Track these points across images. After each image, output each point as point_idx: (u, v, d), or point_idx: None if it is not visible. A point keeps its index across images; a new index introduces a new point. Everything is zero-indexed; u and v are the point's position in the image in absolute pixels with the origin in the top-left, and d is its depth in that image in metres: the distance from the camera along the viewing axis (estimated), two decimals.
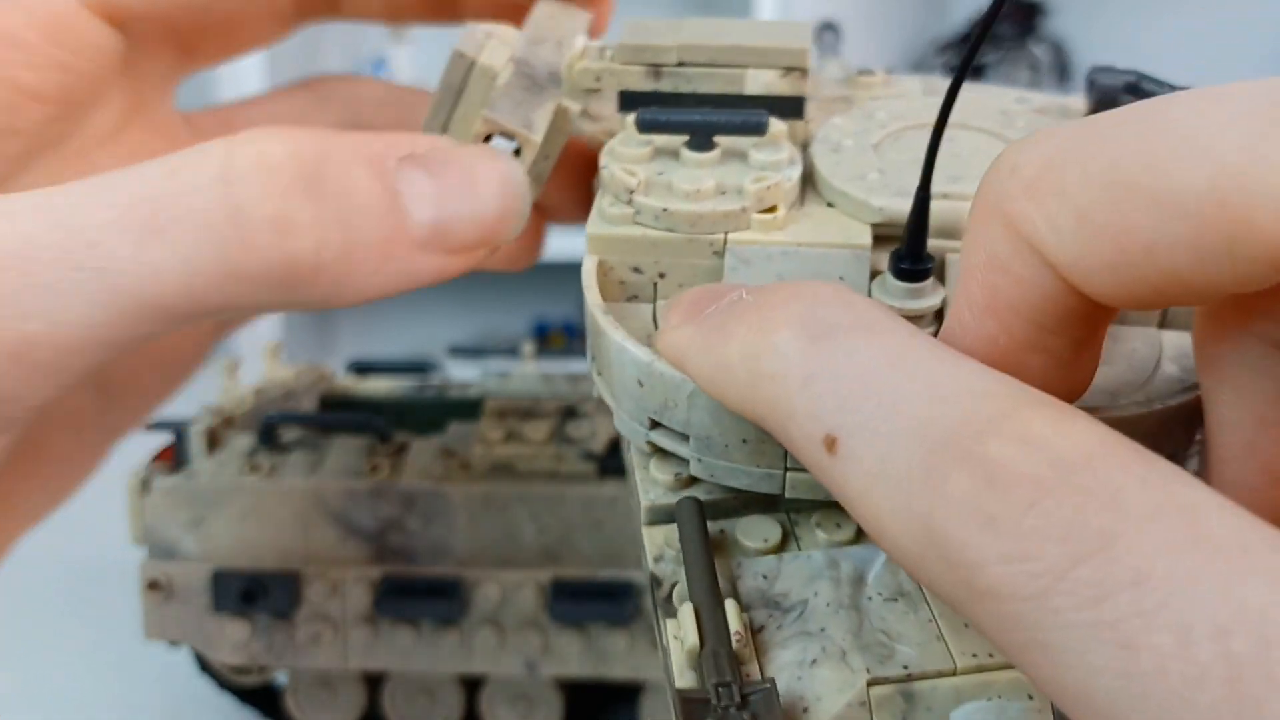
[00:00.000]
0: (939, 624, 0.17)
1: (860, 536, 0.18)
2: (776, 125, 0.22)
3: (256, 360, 0.45)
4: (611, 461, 0.36)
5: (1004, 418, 0.13)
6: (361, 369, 0.46)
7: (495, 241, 0.20)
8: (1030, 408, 0.13)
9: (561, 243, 0.30)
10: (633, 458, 0.20)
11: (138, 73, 0.25)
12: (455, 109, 0.22)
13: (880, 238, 0.21)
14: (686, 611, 0.16)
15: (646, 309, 0.21)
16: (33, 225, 0.18)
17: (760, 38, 0.23)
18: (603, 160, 0.22)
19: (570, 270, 0.25)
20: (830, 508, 0.19)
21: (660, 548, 0.19)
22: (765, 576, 0.18)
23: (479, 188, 0.20)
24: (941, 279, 0.20)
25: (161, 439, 0.39)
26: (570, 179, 0.26)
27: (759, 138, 0.22)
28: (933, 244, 0.19)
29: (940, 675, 0.16)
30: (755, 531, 0.19)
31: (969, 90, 0.19)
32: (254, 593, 0.36)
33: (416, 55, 1.31)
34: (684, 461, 0.19)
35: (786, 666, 0.16)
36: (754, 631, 0.17)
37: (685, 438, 0.19)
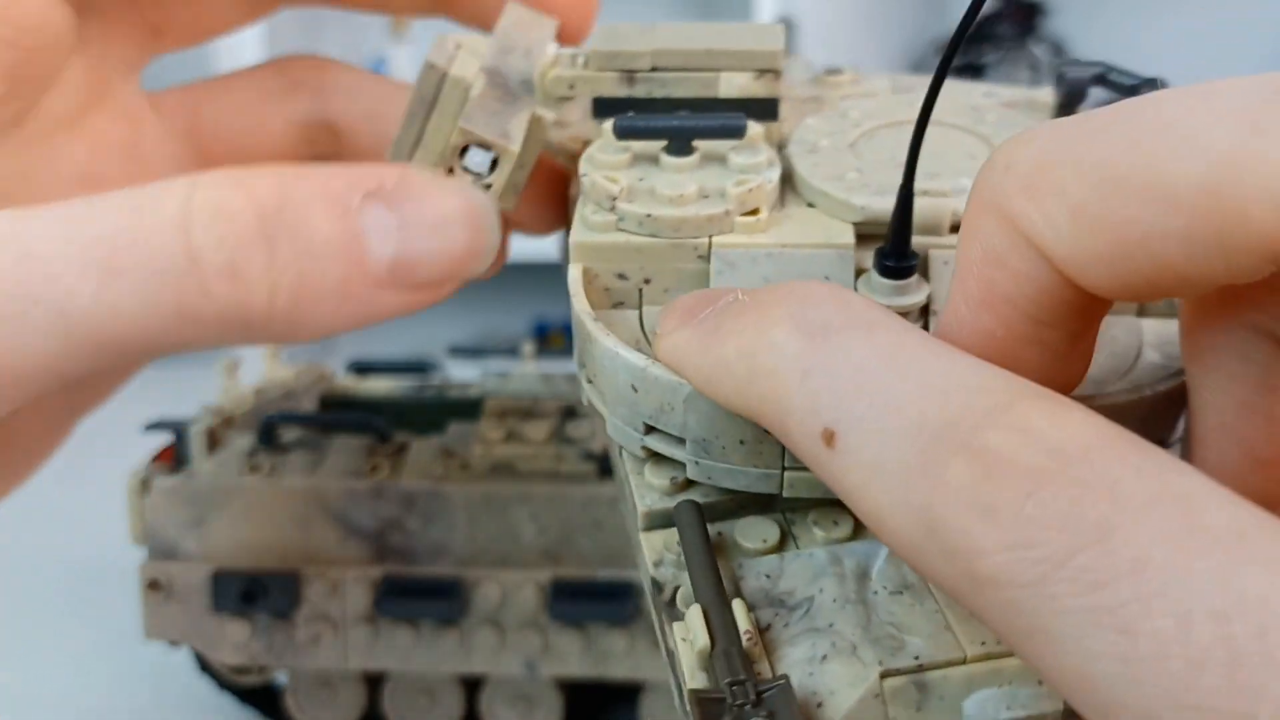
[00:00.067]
0: (946, 614, 0.17)
1: (858, 533, 0.19)
2: (754, 128, 0.22)
3: (256, 360, 0.45)
4: None
5: (1001, 410, 0.13)
6: (361, 369, 0.46)
7: (462, 276, 0.21)
8: (1027, 400, 0.13)
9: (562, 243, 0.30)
10: (625, 464, 0.20)
11: (99, 53, 0.25)
12: (429, 121, 0.22)
13: (861, 236, 0.21)
14: (695, 613, 0.16)
15: (632, 315, 0.21)
16: None
17: (732, 41, 0.24)
18: (582, 168, 0.22)
19: None
20: (827, 506, 0.19)
21: (659, 552, 0.19)
22: (768, 576, 0.18)
23: (446, 224, 0.20)
24: (925, 276, 0.20)
25: (161, 439, 0.40)
26: (533, 191, 0.26)
27: (737, 141, 0.22)
28: (914, 241, 0.19)
29: (951, 664, 0.16)
30: (753, 533, 0.19)
31: None
32: (254, 593, 0.36)
33: (416, 55, 1.31)
34: (679, 466, 0.19)
35: (797, 663, 0.16)
36: (761, 631, 0.17)
37: (681, 441, 0.19)
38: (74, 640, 0.46)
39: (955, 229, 0.21)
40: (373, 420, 0.38)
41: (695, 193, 0.21)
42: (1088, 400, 0.18)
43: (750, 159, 0.22)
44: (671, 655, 0.17)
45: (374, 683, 0.38)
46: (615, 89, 0.24)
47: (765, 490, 0.19)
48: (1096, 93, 0.24)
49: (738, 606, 0.17)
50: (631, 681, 0.37)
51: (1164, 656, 0.11)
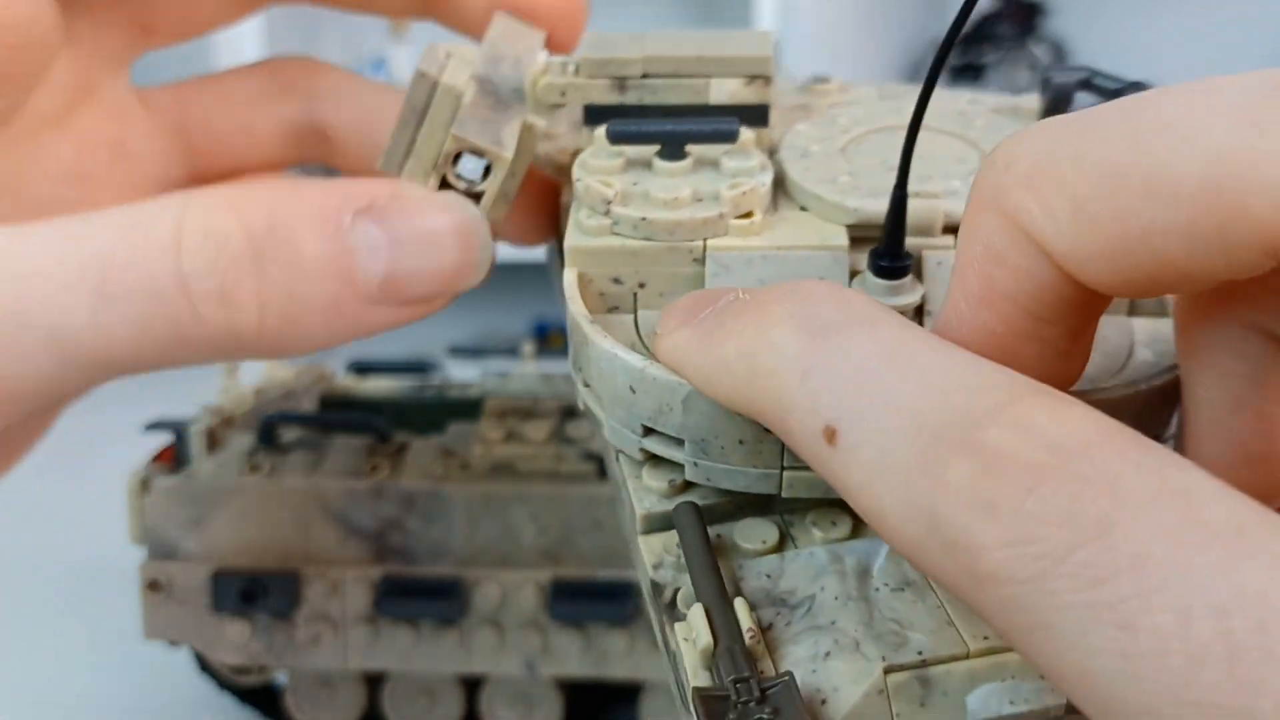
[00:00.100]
0: (948, 610, 0.17)
1: (856, 532, 0.19)
2: (745, 133, 0.22)
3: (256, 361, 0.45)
4: None
5: (1002, 407, 0.13)
6: (361, 369, 0.46)
7: (453, 292, 0.21)
8: (1028, 396, 0.13)
9: None
10: (623, 468, 0.20)
11: (87, 50, 0.24)
12: (420, 129, 0.22)
13: (854, 239, 0.21)
14: (697, 612, 0.17)
15: (628, 319, 0.21)
16: None
17: (723, 47, 0.24)
18: (576, 173, 0.22)
19: None
20: (825, 506, 0.19)
21: (659, 555, 0.19)
22: (769, 575, 0.18)
23: (437, 240, 0.20)
24: (919, 276, 0.20)
25: (161, 439, 0.40)
26: (523, 201, 0.26)
27: (730, 145, 0.22)
28: (908, 242, 0.19)
29: (954, 659, 0.16)
30: (752, 534, 0.19)
31: None
32: (254, 593, 0.36)
33: (417, 55, 1.31)
34: (677, 468, 0.19)
35: (800, 661, 0.16)
36: (763, 629, 0.17)
37: (680, 442, 0.19)
38: (74, 640, 0.46)
39: (948, 230, 0.21)
40: (373, 420, 0.38)
41: (689, 196, 0.21)
42: (1083, 396, 0.19)
43: (743, 163, 0.22)
44: (673, 656, 0.17)
45: (374, 683, 0.38)
46: (606, 96, 0.24)
47: (764, 490, 0.19)
48: (1082, 98, 0.25)
49: (740, 605, 0.17)
50: (631, 681, 0.37)
51: (1164, 652, 0.11)
